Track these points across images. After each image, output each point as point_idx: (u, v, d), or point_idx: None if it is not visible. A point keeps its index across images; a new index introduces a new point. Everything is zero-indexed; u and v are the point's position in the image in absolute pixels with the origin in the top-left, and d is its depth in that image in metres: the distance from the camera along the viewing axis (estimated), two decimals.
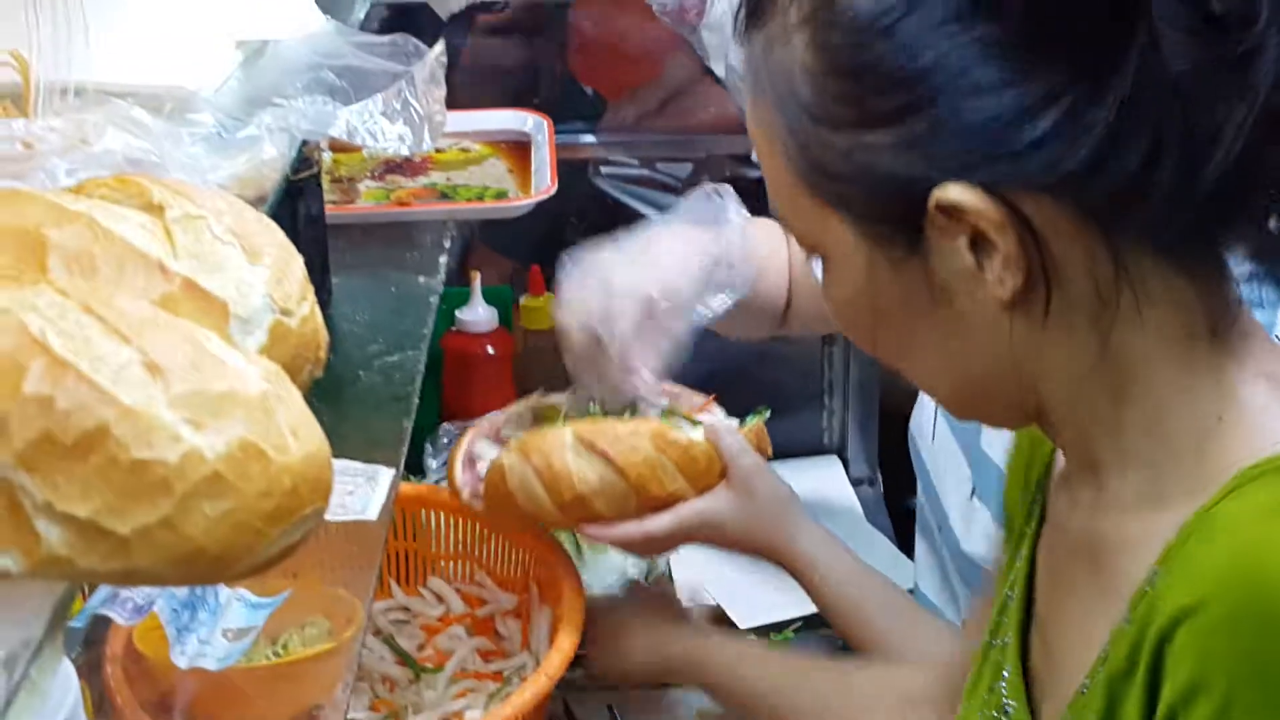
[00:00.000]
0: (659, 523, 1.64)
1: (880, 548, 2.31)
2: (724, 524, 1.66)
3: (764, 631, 2.14)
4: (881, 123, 0.98)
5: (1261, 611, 0.90)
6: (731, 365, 2.59)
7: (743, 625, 2.14)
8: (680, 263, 1.76)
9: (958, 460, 1.76)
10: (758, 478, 1.66)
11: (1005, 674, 1.14)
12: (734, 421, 1.76)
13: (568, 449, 1.64)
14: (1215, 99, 0.93)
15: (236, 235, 0.82)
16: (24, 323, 0.66)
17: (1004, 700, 1.13)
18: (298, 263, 0.84)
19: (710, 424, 1.69)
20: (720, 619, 2.14)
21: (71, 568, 0.65)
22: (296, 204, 1.44)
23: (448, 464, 1.75)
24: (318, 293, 0.84)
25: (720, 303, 1.75)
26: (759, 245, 1.83)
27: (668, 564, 2.15)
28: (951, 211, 0.97)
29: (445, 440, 2.27)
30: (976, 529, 1.70)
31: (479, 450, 1.71)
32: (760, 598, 2.09)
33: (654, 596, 1.75)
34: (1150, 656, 0.94)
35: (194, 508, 0.65)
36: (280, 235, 0.85)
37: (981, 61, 0.95)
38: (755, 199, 2.62)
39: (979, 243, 0.98)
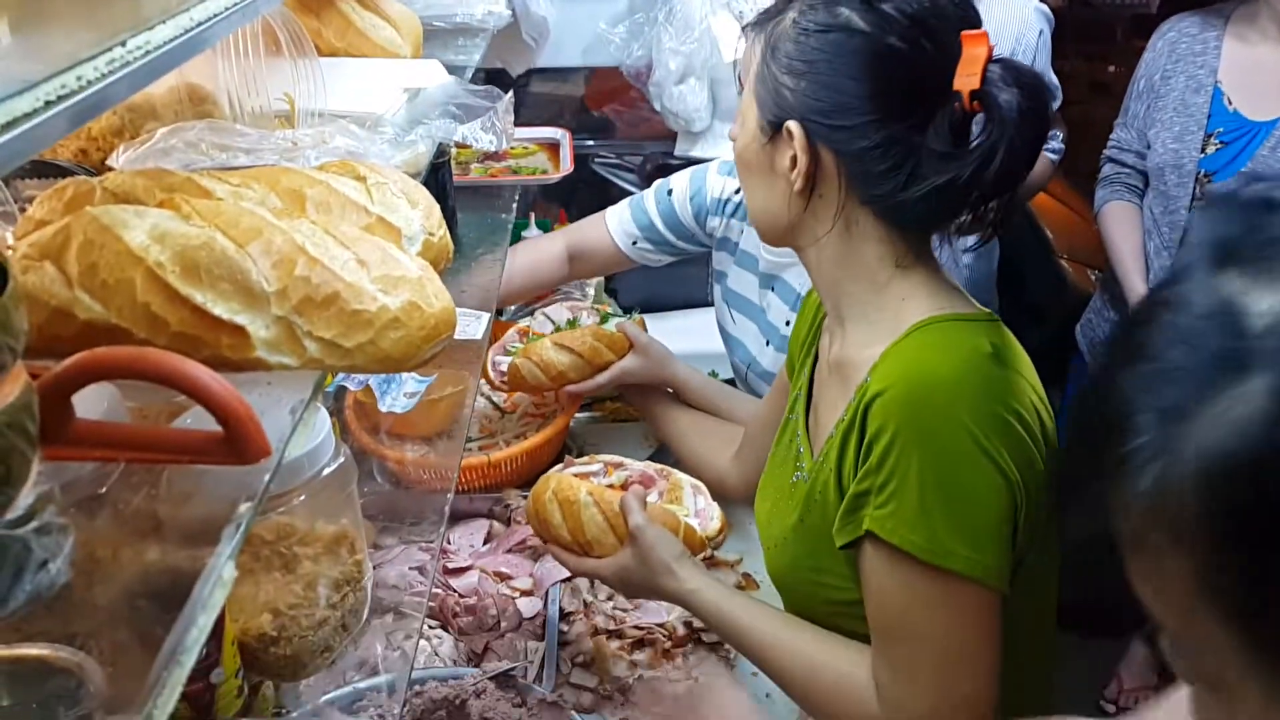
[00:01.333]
0: (602, 378, 1.61)
1: None
2: (635, 371, 1.61)
3: None
4: (793, 74, 0.96)
5: (913, 392, 0.91)
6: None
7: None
8: None
9: (753, 329, 1.73)
10: (652, 344, 1.62)
11: (798, 433, 1.13)
12: (629, 317, 1.73)
13: (549, 349, 1.63)
14: (936, 171, 0.92)
15: (404, 192, 0.81)
16: (294, 238, 0.65)
17: (797, 446, 1.12)
18: (437, 207, 0.83)
19: (619, 321, 1.67)
20: None
21: (321, 364, 0.65)
22: (439, 176, 1.41)
23: (481, 370, 1.69)
24: (448, 223, 0.83)
25: None
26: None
27: None
28: (789, 133, 0.96)
29: None
30: (766, 359, 1.70)
31: (499, 359, 1.69)
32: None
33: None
34: (860, 415, 0.95)
35: (385, 335, 0.65)
36: (426, 193, 0.84)
37: (846, 77, 0.93)
38: (668, 170, 2.60)
39: (795, 158, 0.97)
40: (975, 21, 0.93)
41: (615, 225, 1.79)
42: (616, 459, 1.48)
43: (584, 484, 1.34)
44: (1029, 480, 0.91)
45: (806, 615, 1.06)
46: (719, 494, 1.41)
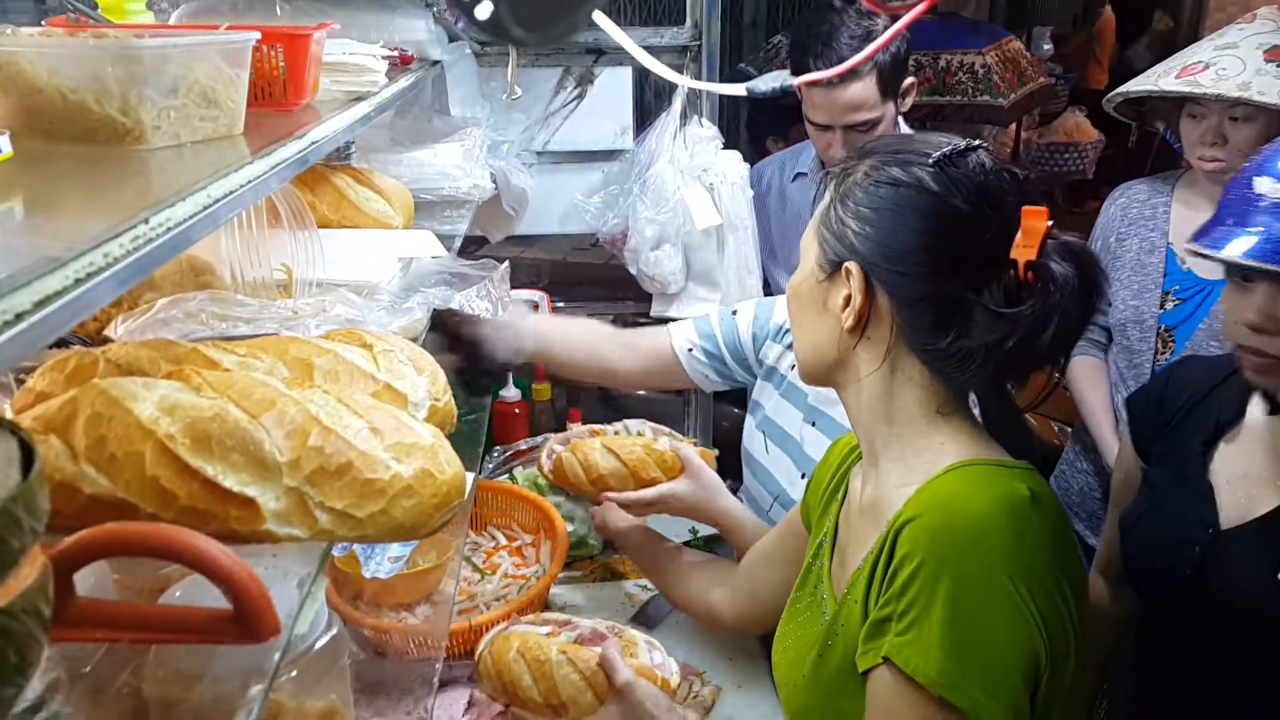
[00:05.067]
0: (646, 494, 1.55)
1: None
2: (682, 496, 1.55)
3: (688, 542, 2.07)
4: (861, 220, 0.98)
5: (946, 522, 0.90)
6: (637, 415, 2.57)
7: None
8: None
9: (786, 461, 1.70)
10: (704, 472, 1.56)
11: (822, 580, 1.11)
12: (689, 444, 1.67)
13: (596, 450, 1.57)
14: (987, 330, 0.94)
15: (410, 359, 0.81)
16: (307, 408, 0.64)
17: (821, 593, 1.10)
18: (442, 374, 0.83)
19: (675, 443, 1.62)
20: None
21: (332, 535, 0.63)
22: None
23: (539, 456, 1.65)
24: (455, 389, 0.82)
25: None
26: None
27: None
28: (849, 275, 0.98)
29: (497, 454, 2.24)
30: (797, 491, 1.64)
31: (555, 448, 1.63)
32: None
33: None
34: (891, 539, 0.93)
35: (397, 503, 0.63)
36: (431, 359, 0.84)
37: (911, 229, 0.96)
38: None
39: (850, 297, 0.99)
40: (1036, 200, 0.97)
41: (676, 329, 1.76)
42: (564, 617, 1.43)
43: (552, 642, 1.30)
44: (1056, 636, 0.89)
45: None
46: (711, 627, 1.40)
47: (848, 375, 1.04)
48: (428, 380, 0.79)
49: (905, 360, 1.00)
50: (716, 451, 1.68)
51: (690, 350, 1.74)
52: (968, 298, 0.94)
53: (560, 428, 2.40)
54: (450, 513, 0.66)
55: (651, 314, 2.31)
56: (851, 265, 0.98)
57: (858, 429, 1.07)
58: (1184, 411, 1.32)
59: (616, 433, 1.65)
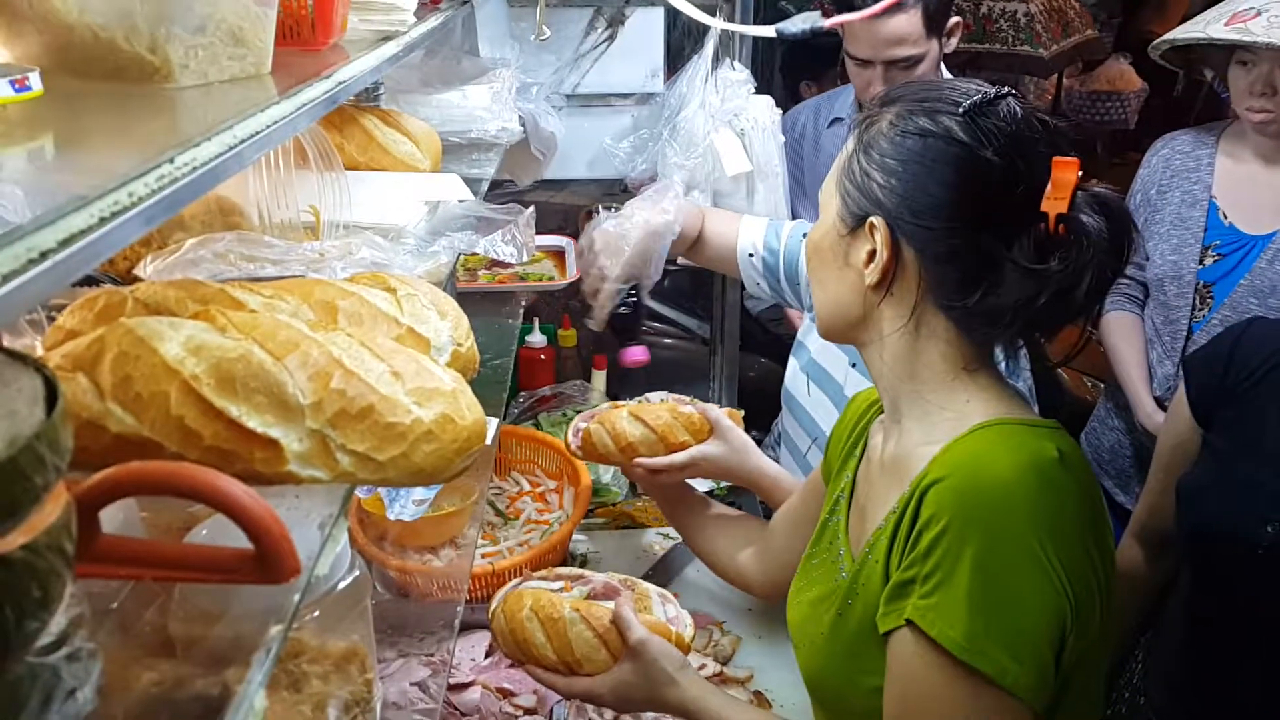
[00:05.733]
0: (677, 458, 1.52)
1: None
2: (714, 458, 1.52)
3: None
4: (885, 172, 0.96)
5: (973, 483, 0.89)
6: (664, 366, 2.58)
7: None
8: (656, 210, 1.74)
9: (827, 404, 1.69)
10: (732, 432, 1.54)
11: (838, 536, 1.11)
12: (714, 406, 1.65)
13: (623, 419, 1.54)
14: (1017, 286, 0.92)
15: (434, 304, 0.81)
16: (330, 351, 0.64)
17: (838, 548, 1.10)
18: (465, 319, 0.83)
19: (702, 405, 1.59)
20: None
21: (354, 478, 0.64)
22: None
23: (565, 436, 1.63)
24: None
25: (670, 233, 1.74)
26: (688, 206, 1.79)
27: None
28: (873, 229, 0.97)
29: (523, 399, 2.26)
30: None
31: (580, 424, 1.59)
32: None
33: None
34: (914, 503, 0.93)
35: (418, 448, 0.64)
36: (455, 304, 0.84)
37: (939, 182, 0.94)
38: (675, 279, 2.62)
39: (873, 252, 0.97)
40: (1066, 150, 0.94)
41: (747, 226, 1.76)
42: (576, 571, 1.43)
43: (564, 600, 1.30)
44: (1083, 599, 0.89)
45: (842, 713, 1.04)
46: (742, 589, 1.39)
47: (870, 332, 1.02)
48: (450, 325, 0.79)
49: (931, 317, 0.98)
50: (743, 411, 1.66)
51: (750, 255, 1.73)
52: (997, 253, 0.92)
53: (586, 375, 2.41)
54: (470, 458, 0.66)
55: (679, 261, 2.30)
56: (876, 220, 0.96)
57: (880, 385, 1.06)
58: (1256, 377, 1.26)
59: (639, 403, 1.63)
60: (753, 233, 1.75)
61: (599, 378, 2.42)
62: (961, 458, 0.92)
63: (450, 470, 0.65)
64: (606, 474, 2.05)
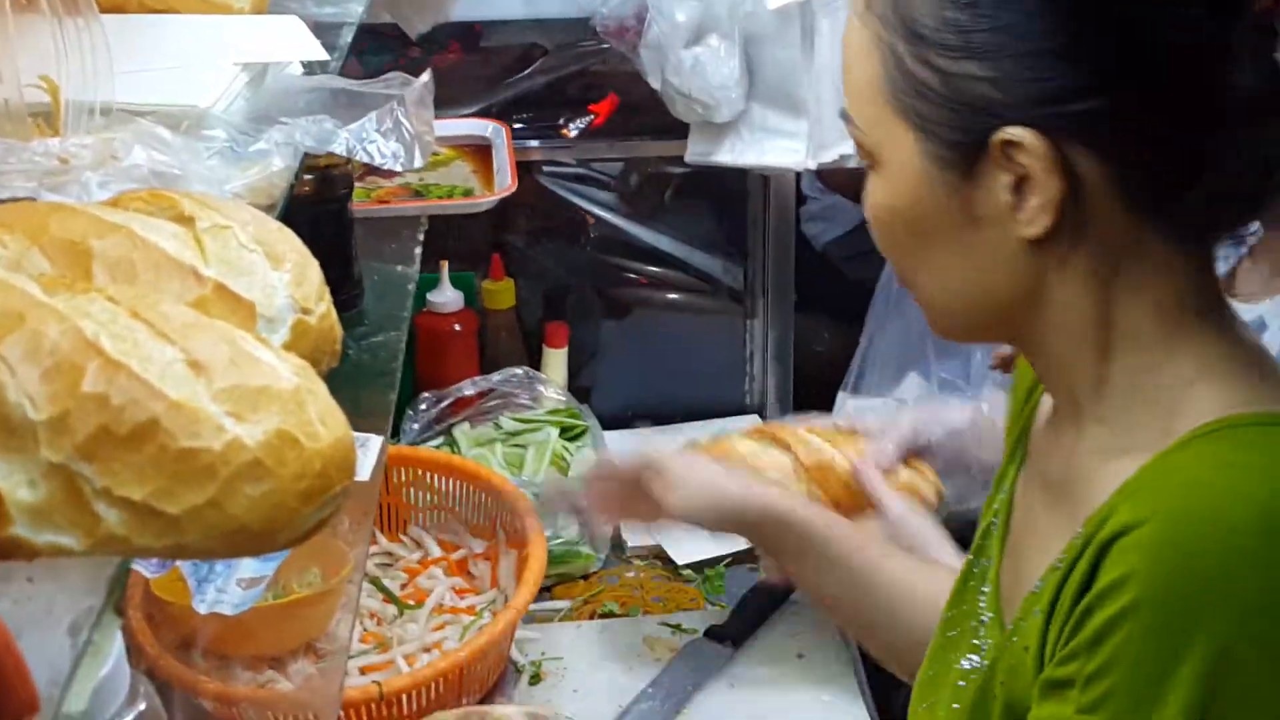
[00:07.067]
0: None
1: None
2: None
3: (699, 566, 2.16)
4: (980, 55, 0.97)
5: (1183, 546, 0.90)
6: (664, 338, 2.59)
7: (680, 561, 2.15)
8: None
9: None
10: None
11: (984, 590, 1.15)
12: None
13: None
14: (1264, 128, 0.95)
15: (260, 243, 0.80)
16: (79, 328, 0.64)
17: (981, 611, 1.14)
18: (314, 266, 0.83)
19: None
20: (662, 556, 2.17)
21: (128, 545, 0.63)
22: (334, 217, 1.43)
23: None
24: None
25: None
26: None
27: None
28: (1011, 149, 0.97)
29: (424, 408, 2.26)
30: None
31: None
32: (694, 539, 2.08)
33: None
34: (1092, 558, 0.94)
35: (237, 490, 0.63)
36: (297, 241, 0.84)
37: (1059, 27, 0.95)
38: (681, 192, 2.63)
39: (1023, 184, 0.98)
40: None
41: None
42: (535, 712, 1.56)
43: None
44: None
45: None
46: None
47: (1037, 310, 1.04)
48: (290, 278, 0.79)
49: (1134, 247, 1.00)
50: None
51: None
52: (1212, 88, 0.94)
53: (533, 358, 2.42)
54: (329, 505, 0.66)
55: (688, 159, 2.31)
56: (1017, 131, 0.97)
57: (1048, 369, 1.09)
58: None
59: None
60: None
61: (555, 362, 2.43)
62: (1171, 493, 0.94)
63: (295, 527, 0.65)
64: (571, 527, 2.06)
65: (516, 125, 2.34)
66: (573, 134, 2.47)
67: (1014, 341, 1.11)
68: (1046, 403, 1.16)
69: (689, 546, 2.15)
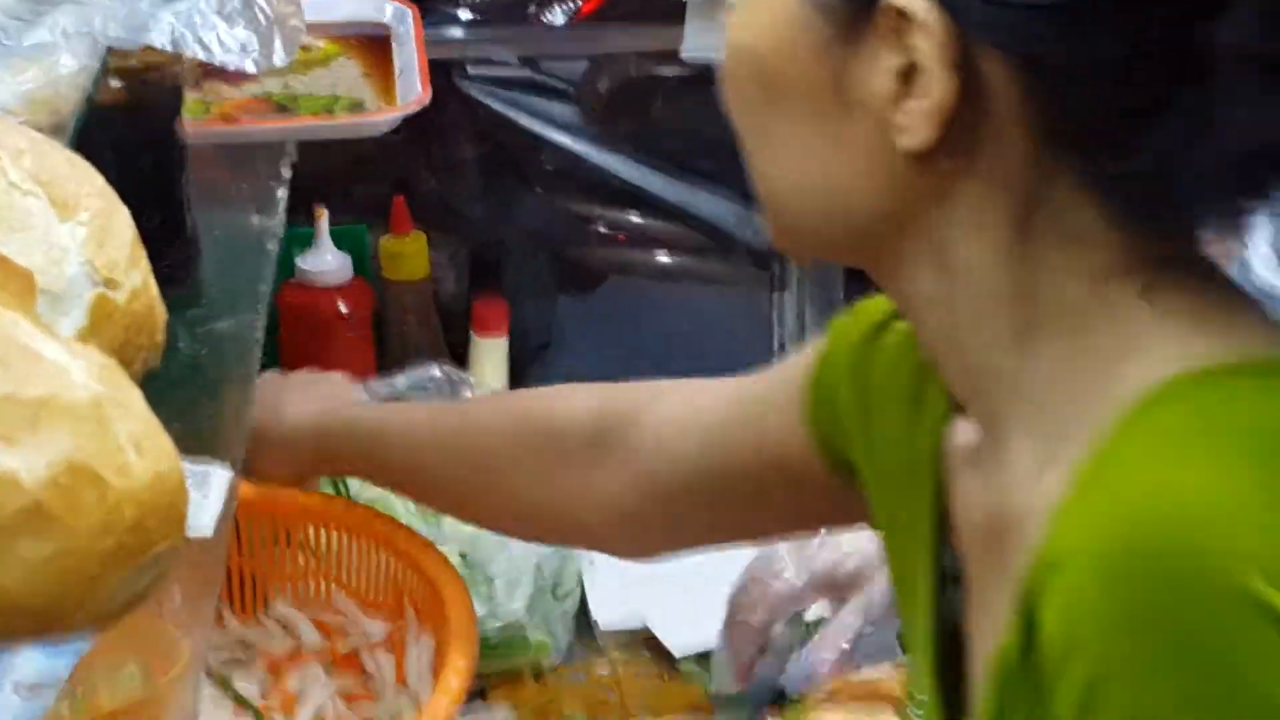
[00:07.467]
0: None
1: None
2: None
3: (704, 658, 2.18)
4: None
5: (1139, 559, 0.92)
6: (653, 320, 2.61)
7: (678, 654, 2.17)
8: None
9: None
10: None
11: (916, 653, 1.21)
12: None
13: None
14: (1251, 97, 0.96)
15: (41, 183, 0.81)
16: None
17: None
18: (124, 217, 0.83)
19: None
20: (650, 643, 2.19)
21: None
22: (156, 143, 1.43)
23: None
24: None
25: None
26: None
27: (580, 584, 2.18)
28: (904, 24, 1.00)
29: None
30: None
31: None
32: (693, 621, 2.10)
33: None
34: (1024, 618, 0.97)
35: (6, 549, 0.64)
36: (99, 181, 0.84)
37: None
38: (675, 107, 2.65)
39: (912, 74, 1.01)
40: None
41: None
42: None
43: None
44: None
45: None
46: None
47: (911, 247, 1.09)
48: (87, 234, 0.79)
49: (1053, 201, 1.04)
50: None
51: None
52: (1189, 39, 0.96)
53: (456, 351, 2.44)
54: (148, 571, 0.67)
55: (684, 55, 2.33)
56: (914, 4, 0.99)
57: (942, 360, 1.14)
58: None
59: None
60: None
61: (490, 355, 2.45)
62: (1110, 502, 0.96)
63: (97, 604, 0.66)
64: (515, 600, 2.09)
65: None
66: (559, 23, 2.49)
67: (890, 286, 1.13)
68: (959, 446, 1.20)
69: (690, 631, 2.17)
